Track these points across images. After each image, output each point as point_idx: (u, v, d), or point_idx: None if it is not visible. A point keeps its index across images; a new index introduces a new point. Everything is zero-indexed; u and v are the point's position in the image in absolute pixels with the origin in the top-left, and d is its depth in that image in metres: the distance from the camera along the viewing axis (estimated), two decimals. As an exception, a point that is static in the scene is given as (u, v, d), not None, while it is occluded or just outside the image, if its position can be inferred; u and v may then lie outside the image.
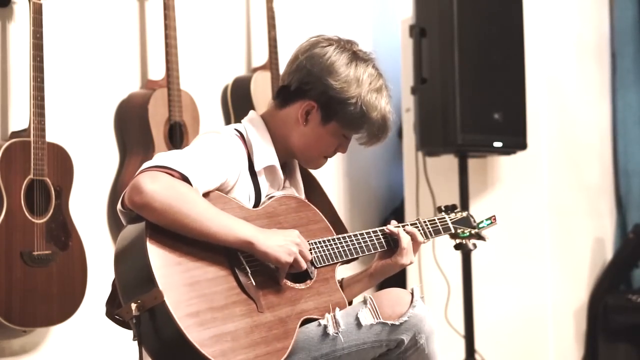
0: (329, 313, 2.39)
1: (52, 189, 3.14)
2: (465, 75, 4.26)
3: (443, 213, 2.76)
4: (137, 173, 2.26)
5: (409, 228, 2.61)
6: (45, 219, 3.12)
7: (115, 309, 2.27)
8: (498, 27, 4.41)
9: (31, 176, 3.08)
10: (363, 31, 4.88)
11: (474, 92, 4.29)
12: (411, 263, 2.60)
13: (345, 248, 2.52)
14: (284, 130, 2.53)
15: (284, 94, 2.54)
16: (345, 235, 2.54)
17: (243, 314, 2.27)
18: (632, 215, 5.30)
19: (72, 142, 3.31)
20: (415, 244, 2.60)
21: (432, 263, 4.58)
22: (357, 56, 2.51)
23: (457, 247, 2.80)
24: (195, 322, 2.18)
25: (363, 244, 2.55)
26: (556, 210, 4.68)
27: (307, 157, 2.56)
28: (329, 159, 2.62)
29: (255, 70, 4.11)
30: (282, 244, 2.32)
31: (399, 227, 2.60)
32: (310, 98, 2.49)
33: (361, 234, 2.56)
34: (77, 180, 3.25)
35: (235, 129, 2.51)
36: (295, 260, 2.35)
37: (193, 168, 2.28)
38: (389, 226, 2.60)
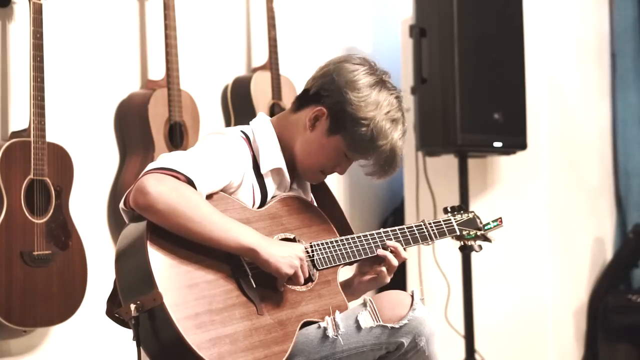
0: (329, 316, 2.39)
1: (52, 189, 3.14)
2: (465, 75, 4.26)
3: (449, 214, 2.73)
4: (141, 174, 2.25)
5: (389, 247, 2.56)
6: (45, 219, 3.12)
7: (116, 308, 2.27)
8: (498, 27, 4.41)
9: (31, 176, 3.08)
10: (363, 31, 4.88)
11: (474, 92, 4.29)
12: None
13: (348, 250, 2.51)
14: (291, 134, 2.52)
15: (302, 97, 2.53)
16: (348, 237, 2.53)
17: (242, 316, 2.26)
18: (632, 215, 5.30)
19: (72, 142, 3.31)
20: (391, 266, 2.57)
21: (432, 263, 4.58)
22: (383, 83, 2.49)
23: (462, 248, 2.77)
24: (194, 325, 2.18)
25: (367, 246, 2.54)
26: (556, 210, 4.68)
27: (305, 166, 2.53)
28: (328, 177, 2.60)
29: (255, 70, 4.11)
30: (285, 255, 2.32)
31: (401, 238, 2.59)
32: (323, 105, 2.47)
33: (364, 236, 2.55)
34: (77, 180, 3.25)
35: (242, 131, 2.50)
36: (295, 274, 2.34)
37: (198, 171, 2.28)
38: (388, 242, 2.57)
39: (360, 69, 2.48)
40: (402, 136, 2.50)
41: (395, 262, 2.55)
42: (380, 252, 2.54)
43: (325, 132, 2.48)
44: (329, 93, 2.47)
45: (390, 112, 2.47)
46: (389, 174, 2.53)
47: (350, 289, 2.59)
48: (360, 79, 2.46)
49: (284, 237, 2.44)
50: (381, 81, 2.49)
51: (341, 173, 2.57)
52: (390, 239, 2.57)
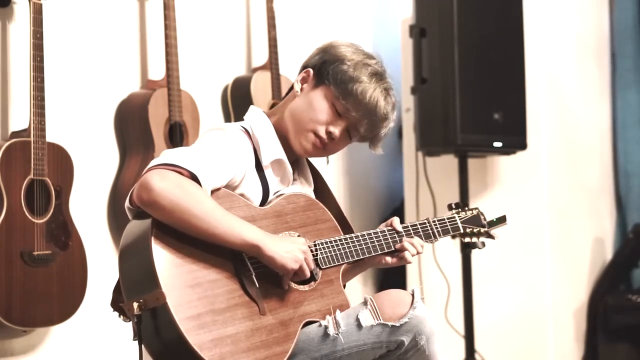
0: (330, 315, 2.39)
1: (52, 189, 3.14)
2: (465, 75, 4.26)
3: (453, 211, 2.72)
4: (145, 170, 2.25)
5: (407, 245, 2.58)
6: (45, 219, 3.12)
7: (121, 299, 2.26)
8: (498, 27, 4.41)
9: (31, 176, 3.08)
10: (363, 31, 4.88)
11: (474, 92, 4.29)
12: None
13: (352, 249, 2.51)
14: (281, 113, 2.54)
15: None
16: (352, 235, 2.52)
17: (244, 316, 2.26)
18: (632, 215, 5.30)
19: (72, 142, 3.31)
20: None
21: (432, 263, 4.58)
22: (368, 58, 2.52)
23: (465, 245, 2.77)
24: (196, 325, 2.18)
25: (370, 245, 2.54)
26: (556, 210, 4.69)
27: (295, 130, 2.50)
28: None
29: (255, 70, 4.11)
30: (289, 250, 2.32)
31: (402, 234, 2.60)
32: (309, 67, 2.53)
33: (368, 234, 2.55)
34: (77, 180, 3.25)
35: (242, 126, 2.51)
36: (301, 268, 2.34)
37: (202, 166, 2.27)
38: (399, 239, 2.58)
39: (347, 44, 2.54)
40: (384, 91, 2.50)
41: (414, 251, 2.57)
42: (398, 245, 2.56)
43: (312, 87, 2.52)
44: (312, 58, 2.55)
45: (371, 67, 2.50)
46: (376, 129, 2.51)
47: (362, 263, 2.60)
48: (344, 49, 2.52)
49: (288, 235, 2.43)
50: (365, 54, 2.54)
51: (335, 137, 2.50)
52: (394, 237, 2.57)
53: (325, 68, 2.50)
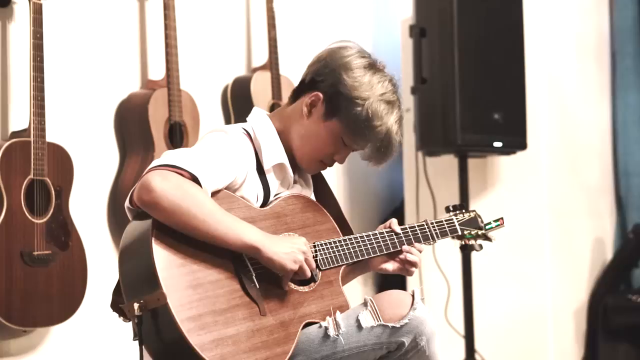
0: (331, 317, 2.39)
1: (52, 189, 3.14)
2: (465, 75, 4.26)
3: (451, 213, 2.73)
4: (146, 171, 2.25)
5: (413, 256, 2.59)
6: (45, 219, 3.12)
7: (122, 300, 2.26)
8: (498, 27, 4.41)
9: (31, 176, 3.08)
10: (363, 31, 4.88)
11: (474, 92, 4.29)
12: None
13: (351, 250, 2.51)
14: (288, 125, 2.52)
15: (297, 88, 2.55)
16: (351, 236, 2.53)
17: (245, 317, 2.26)
18: (632, 215, 5.30)
19: (72, 142, 3.31)
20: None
21: (432, 263, 4.57)
22: (375, 67, 2.51)
23: (463, 247, 2.78)
24: (197, 326, 2.18)
25: (369, 246, 2.54)
26: (556, 211, 4.68)
27: (302, 154, 2.52)
28: (328, 168, 2.60)
29: (255, 70, 4.11)
30: (288, 251, 2.32)
31: (401, 236, 2.60)
32: (319, 89, 2.48)
33: (367, 236, 2.55)
34: (77, 180, 3.25)
35: (243, 128, 2.50)
36: (301, 268, 2.34)
37: (202, 168, 2.27)
38: (405, 247, 2.59)
39: (352, 52, 2.50)
40: (397, 120, 2.51)
41: (417, 260, 2.58)
42: (406, 247, 2.58)
43: (322, 116, 2.48)
44: (323, 77, 2.48)
45: (386, 94, 2.48)
46: (386, 159, 2.54)
47: (362, 265, 2.61)
48: (353, 61, 2.48)
49: (288, 236, 2.43)
50: (374, 64, 2.51)
51: (341, 162, 2.56)
52: (393, 239, 2.57)
53: (338, 102, 2.46)
